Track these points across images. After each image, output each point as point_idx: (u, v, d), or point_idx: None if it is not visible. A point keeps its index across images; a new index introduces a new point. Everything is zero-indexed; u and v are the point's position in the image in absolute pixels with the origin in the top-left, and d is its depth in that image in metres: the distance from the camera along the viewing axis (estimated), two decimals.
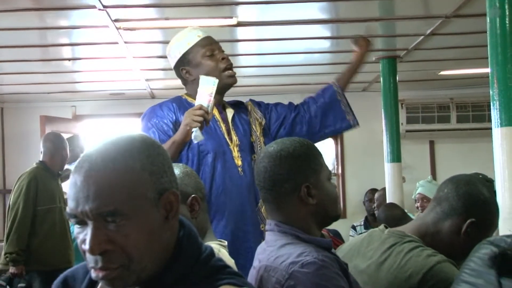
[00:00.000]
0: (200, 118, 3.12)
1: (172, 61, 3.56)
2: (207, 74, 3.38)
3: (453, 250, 2.53)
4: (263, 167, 2.32)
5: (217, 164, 3.38)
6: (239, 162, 3.41)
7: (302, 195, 2.28)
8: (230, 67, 3.49)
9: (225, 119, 3.53)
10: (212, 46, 3.49)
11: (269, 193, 2.33)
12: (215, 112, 3.48)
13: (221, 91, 3.48)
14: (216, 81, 3.23)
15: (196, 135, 3.14)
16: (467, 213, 2.51)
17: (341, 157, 9.08)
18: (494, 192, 2.59)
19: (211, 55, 3.44)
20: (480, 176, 2.66)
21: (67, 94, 8.32)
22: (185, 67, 3.48)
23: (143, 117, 3.53)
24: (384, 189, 7.03)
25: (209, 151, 3.38)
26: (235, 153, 3.44)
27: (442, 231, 2.54)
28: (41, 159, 6.13)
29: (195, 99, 3.37)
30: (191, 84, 3.50)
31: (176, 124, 3.35)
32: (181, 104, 3.45)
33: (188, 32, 3.54)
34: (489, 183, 2.59)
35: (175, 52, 3.52)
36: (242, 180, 3.37)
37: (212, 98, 3.20)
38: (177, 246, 1.57)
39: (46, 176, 6.04)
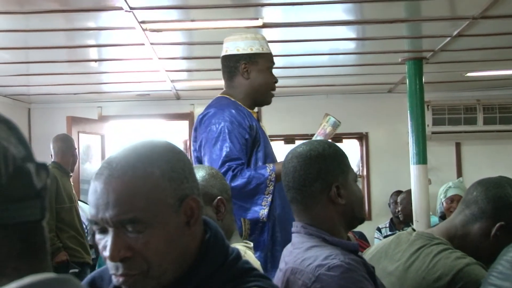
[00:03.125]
0: None
1: (235, 50, 3.55)
2: (263, 84, 3.52)
3: (482, 253, 2.52)
4: (293, 167, 2.32)
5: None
6: None
7: (332, 195, 2.29)
8: (275, 89, 3.61)
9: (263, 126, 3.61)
10: (273, 63, 3.60)
11: (298, 193, 2.32)
12: (256, 116, 3.59)
13: (259, 104, 3.62)
14: (340, 123, 3.59)
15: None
16: (496, 216, 2.49)
17: (366, 159, 9.06)
18: None
19: (271, 71, 3.53)
20: (505, 179, 2.64)
21: (93, 95, 8.40)
22: (248, 65, 3.50)
23: (219, 114, 3.44)
24: (408, 191, 7.02)
25: (272, 161, 3.46)
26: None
27: (470, 234, 2.53)
28: (53, 160, 6.19)
29: (239, 101, 3.50)
30: (239, 80, 3.52)
31: (253, 132, 3.41)
32: (242, 113, 3.46)
33: (263, 39, 3.62)
34: None
35: (245, 45, 3.54)
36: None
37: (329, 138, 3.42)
38: (203, 248, 1.57)
39: (61, 176, 6.11)
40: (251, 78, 3.49)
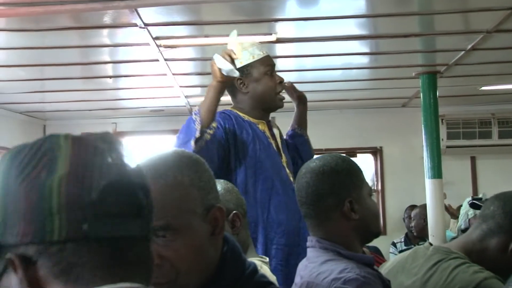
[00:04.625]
0: (224, 55, 3.19)
1: (232, 64, 3.40)
2: (264, 92, 3.44)
3: (500, 268, 2.50)
4: (306, 182, 2.32)
5: (275, 181, 3.38)
6: (291, 179, 3.40)
7: (345, 210, 2.28)
8: (282, 89, 3.55)
9: (274, 136, 3.53)
10: (273, 66, 3.50)
11: (312, 208, 2.32)
12: (266, 129, 3.51)
13: (270, 111, 3.54)
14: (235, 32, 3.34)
15: (226, 68, 3.17)
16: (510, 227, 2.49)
17: (380, 173, 9.06)
18: None
19: (271, 74, 3.46)
20: None
21: (108, 111, 8.44)
22: (242, 79, 3.43)
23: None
24: (421, 206, 7.05)
25: (268, 169, 3.37)
26: (287, 170, 3.46)
27: (488, 249, 2.52)
28: None
29: (246, 114, 3.44)
30: (241, 96, 3.48)
31: (233, 133, 3.33)
32: (237, 120, 3.41)
33: (253, 46, 3.52)
34: None
35: (242, 56, 3.43)
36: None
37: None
38: (221, 261, 1.58)
39: None
40: (250, 90, 3.44)
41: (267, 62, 3.48)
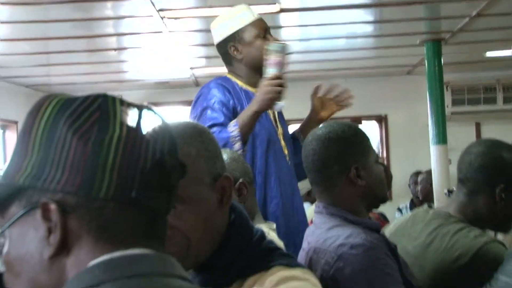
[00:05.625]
0: (280, 89, 3.09)
1: (219, 37, 3.42)
2: (256, 54, 3.31)
3: (497, 219, 2.54)
4: (312, 149, 2.33)
5: (270, 152, 3.34)
6: (286, 151, 3.40)
7: (351, 176, 2.28)
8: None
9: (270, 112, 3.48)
10: (265, 29, 3.39)
11: (318, 175, 2.33)
12: None
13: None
14: (287, 46, 3.21)
15: (279, 105, 3.17)
16: (492, 182, 2.50)
17: (385, 140, 9.06)
18: None
19: (263, 37, 3.35)
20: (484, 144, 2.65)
21: (113, 83, 8.42)
22: (235, 44, 3.35)
23: (198, 97, 3.38)
24: (427, 171, 7.04)
25: (263, 140, 3.33)
26: (282, 142, 3.42)
27: (479, 206, 2.53)
28: None
29: (240, 80, 3.38)
30: (236, 63, 3.40)
31: (234, 111, 3.27)
32: (235, 90, 3.35)
33: (242, 10, 3.43)
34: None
35: (225, 28, 3.39)
36: (290, 168, 3.36)
37: (283, 64, 3.16)
38: (229, 229, 1.58)
39: None
40: (244, 55, 3.35)
41: (260, 25, 3.38)
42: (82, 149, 0.97)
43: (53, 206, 0.96)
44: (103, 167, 0.97)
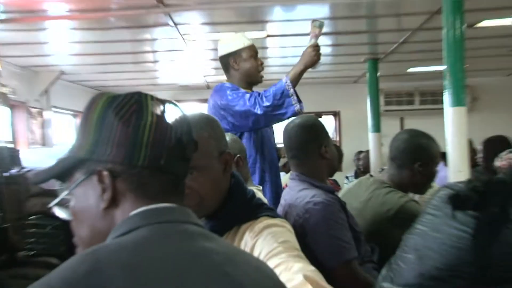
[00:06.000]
0: (320, 53, 3.26)
1: (223, 51, 3.41)
2: (250, 69, 3.34)
3: (416, 185, 2.58)
4: (294, 132, 2.35)
5: (262, 133, 3.33)
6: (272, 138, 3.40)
7: (322, 152, 2.30)
8: (262, 69, 3.44)
9: None
10: (256, 52, 3.42)
11: (298, 151, 2.34)
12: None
13: (253, 84, 3.41)
14: (324, 23, 3.34)
15: (319, 65, 3.32)
16: (412, 160, 2.53)
17: (339, 129, 9.11)
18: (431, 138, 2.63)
19: (255, 58, 3.37)
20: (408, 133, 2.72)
21: (150, 86, 8.37)
22: (234, 59, 3.34)
23: (221, 93, 3.32)
24: (366, 151, 7.12)
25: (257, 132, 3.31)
26: (272, 138, 3.41)
27: (403, 177, 2.56)
28: None
29: (240, 86, 3.32)
30: (233, 72, 3.37)
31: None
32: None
33: (242, 37, 3.44)
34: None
35: (229, 46, 3.39)
36: (271, 151, 3.36)
37: (319, 36, 3.32)
38: (230, 189, 1.60)
39: None
40: (240, 68, 3.33)
41: (253, 49, 3.38)
42: (125, 131, 0.98)
43: (105, 173, 0.98)
44: (140, 144, 0.98)
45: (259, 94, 3.14)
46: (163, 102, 1.04)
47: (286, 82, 3.16)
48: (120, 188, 0.99)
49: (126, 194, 0.99)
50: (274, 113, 3.08)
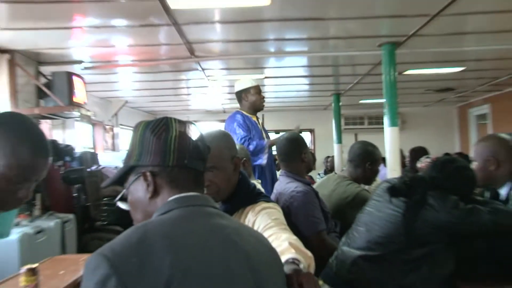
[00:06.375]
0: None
1: (238, 88, 3.47)
2: (255, 101, 3.40)
3: (368, 180, 2.57)
4: (284, 144, 2.33)
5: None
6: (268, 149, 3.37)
7: (302, 157, 2.30)
8: (263, 101, 3.49)
9: (258, 123, 3.48)
10: (260, 89, 3.48)
11: (286, 157, 2.32)
12: (255, 119, 3.45)
13: (257, 111, 3.46)
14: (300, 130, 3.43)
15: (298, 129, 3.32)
16: (364, 161, 2.51)
17: (313, 141, 8.98)
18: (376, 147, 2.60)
19: (258, 93, 3.44)
20: (361, 143, 2.69)
21: (184, 111, 8.26)
22: (245, 93, 3.42)
23: (233, 121, 3.34)
24: (333, 156, 7.04)
25: (256, 139, 3.31)
26: (265, 140, 3.37)
27: (359, 174, 2.54)
28: None
29: (249, 113, 3.39)
30: (244, 102, 3.44)
31: (249, 128, 3.31)
32: (247, 118, 3.37)
33: (251, 79, 3.50)
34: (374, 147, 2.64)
35: (242, 85, 3.45)
36: (271, 158, 3.33)
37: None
38: (239, 183, 1.57)
39: None
40: (248, 100, 3.40)
41: (258, 88, 3.46)
42: (158, 143, 0.97)
43: (148, 173, 0.96)
44: (169, 150, 0.96)
45: (249, 138, 3.18)
46: (183, 122, 1.01)
47: (266, 145, 3.20)
48: (159, 182, 0.96)
49: (164, 187, 0.96)
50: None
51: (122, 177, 1.01)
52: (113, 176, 1.03)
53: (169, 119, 1.00)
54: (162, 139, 0.96)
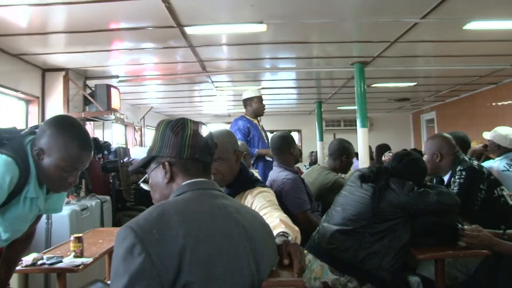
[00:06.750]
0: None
1: (245, 97, 3.43)
2: (258, 108, 3.35)
3: (344, 169, 2.52)
4: (277, 140, 2.30)
5: (259, 143, 3.27)
6: (267, 142, 3.33)
7: (291, 151, 2.27)
8: (264, 108, 3.47)
9: (259, 126, 3.45)
10: (262, 99, 3.44)
11: (278, 150, 2.29)
12: (257, 123, 3.40)
13: (258, 115, 3.42)
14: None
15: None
16: (341, 154, 2.47)
17: (300, 139, 8.91)
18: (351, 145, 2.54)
19: (260, 102, 3.41)
20: (339, 140, 2.62)
21: (196, 114, 8.17)
22: (250, 101, 3.39)
23: (235, 125, 3.31)
24: (316, 151, 7.00)
25: (257, 140, 3.29)
26: (265, 140, 3.35)
27: (337, 165, 2.50)
28: None
29: (251, 117, 3.35)
30: (249, 108, 3.41)
31: (248, 131, 3.25)
32: (249, 122, 3.35)
33: (255, 90, 3.47)
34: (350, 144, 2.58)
35: (248, 94, 3.42)
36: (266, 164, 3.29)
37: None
38: (240, 171, 1.54)
39: None
40: (252, 107, 3.37)
41: (260, 97, 3.43)
42: (175, 139, 0.95)
43: (166, 163, 0.95)
44: (184, 145, 0.94)
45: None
46: (196, 122, 0.99)
47: (255, 154, 3.14)
48: (175, 171, 0.94)
49: (178, 174, 0.94)
50: None
51: (145, 164, 1.00)
52: (138, 162, 1.01)
53: (185, 120, 0.98)
54: (180, 136, 0.95)
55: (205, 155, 0.96)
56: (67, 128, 1.22)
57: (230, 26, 2.73)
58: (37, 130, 1.24)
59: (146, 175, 1.00)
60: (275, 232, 1.09)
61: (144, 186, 1.03)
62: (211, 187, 0.94)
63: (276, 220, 1.21)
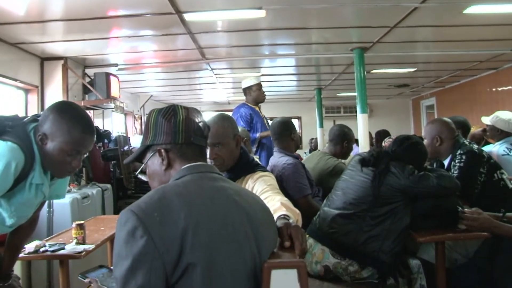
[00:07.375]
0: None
1: (245, 85, 3.41)
2: (258, 95, 3.34)
3: (344, 155, 2.53)
4: (277, 126, 2.30)
5: (261, 130, 3.27)
6: (267, 127, 3.32)
7: (292, 137, 2.27)
8: (264, 95, 3.45)
9: (260, 113, 3.44)
10: (261, 86, 3.42)
11: (279, 136, 2.29)
12: (258, 109, 3.39)
13: (259, 103, 3.41)
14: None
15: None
16: (342, 140, 2.47)
17: (300, 125, 8.90)
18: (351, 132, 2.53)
19: (260, 89, 3.39)
20: (339, 126, 2.62)
21: (196, 102, 8.15)
22: (250, 89, 3.37)
23: (237, 113, 3.30)
24: (316, 138, 6.99)
25: (259, 127, 3.29)
26: (266, 126, 3.34)
27: (337, 150, 2.49)
28: None
29: (252, 105, 3.35)
30: (248, 96, 3.40)
31: (251, 118, 3.25)
32: (251, 109, 3.34)
33: (255, 77, 3.46)
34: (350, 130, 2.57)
35: (248, 82, 3.40)
36: (269, 139, 3.28)
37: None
38: (240, 155, 1.54)
39: None
40: (252, 95, 3.35)
41: (259, 84, 3.41)
42: (168, 125, 0.95)
43: (162, 150, 0.94)
44: (178, 130, 0.94)
45: (247, 130, 3.06)
46: (187, 107, 0.99)
47: (257, 138, 3.14)
48: (171, 157, 0.94)
49: (176, 160, 0.93)
50: None
51: (140, 155, 0.99)
52: (134, 154, 1.01)
53: (176, 106, 0.98)
54: (172, 122, 0.94)
55: (199, 138, 0.95)
56: (70, 112, 1.22)
57: (229, 12, 2.69)
58: (39, 118, 1.24)
59: (143, 166, 0.99)
60: (276, 215, 1.09)
61: (142, 177, 1.05)
62: (210, 170, 0.93)
63: (277, 204, 1.21)
